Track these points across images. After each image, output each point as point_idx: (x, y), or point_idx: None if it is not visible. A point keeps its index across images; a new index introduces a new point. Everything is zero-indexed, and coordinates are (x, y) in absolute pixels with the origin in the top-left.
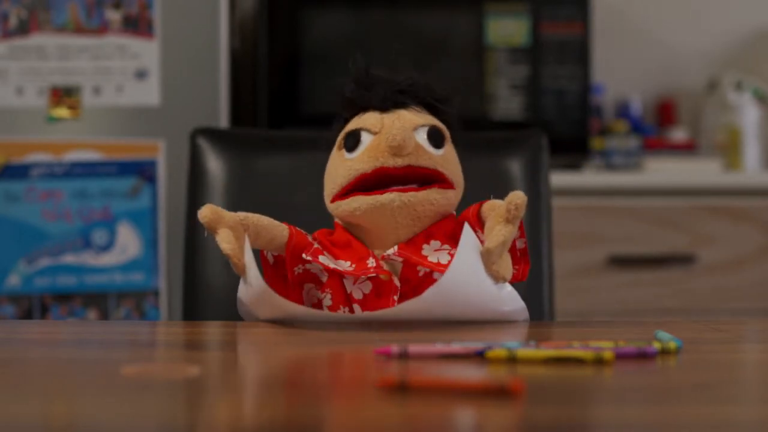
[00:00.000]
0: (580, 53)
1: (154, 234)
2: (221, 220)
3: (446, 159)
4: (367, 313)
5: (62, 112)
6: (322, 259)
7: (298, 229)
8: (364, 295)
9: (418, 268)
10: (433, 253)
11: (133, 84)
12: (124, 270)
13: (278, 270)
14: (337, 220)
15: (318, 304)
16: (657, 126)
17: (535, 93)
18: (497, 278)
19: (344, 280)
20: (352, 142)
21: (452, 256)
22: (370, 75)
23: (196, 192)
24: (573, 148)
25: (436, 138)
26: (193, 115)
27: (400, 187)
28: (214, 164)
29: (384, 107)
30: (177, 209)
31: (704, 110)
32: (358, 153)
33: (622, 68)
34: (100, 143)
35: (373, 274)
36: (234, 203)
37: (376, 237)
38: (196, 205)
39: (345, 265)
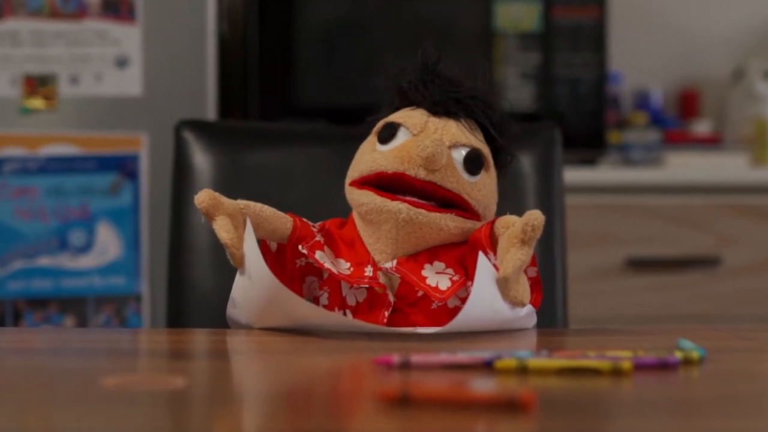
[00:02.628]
0: (595, 39)
1: (136, 234)
2: (220, 207)
3: (477, 187)
4: (373, 326)
5: (37, 102)
6: (318, 254)
7: (304, 220)
8: (357, 303)
9: None
10: (434, 275)
11: (113, 73)
12: (103, 273)
13: (279, 258)
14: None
15: (315, 302)
16: (679, 118)
17: (547, 82)
18: (516, 304)
19: (342, 282)
20: (387, 134)
21: (453, 282)
22: (435, 71)
23: (181, 189)
24: (588, 142)
25: (473, 163)
26: (178, 107)
27: (415, 200)
28: (201, 159)
29: (435, 111)
30: (161, 208)
31: (729, 101)
32: (388, 148)
33: (641, 56)
34: (78, 136)
35: (367, 285)
36: None
37: (377, 243)
38: (181, 203)
39: (343, 267)
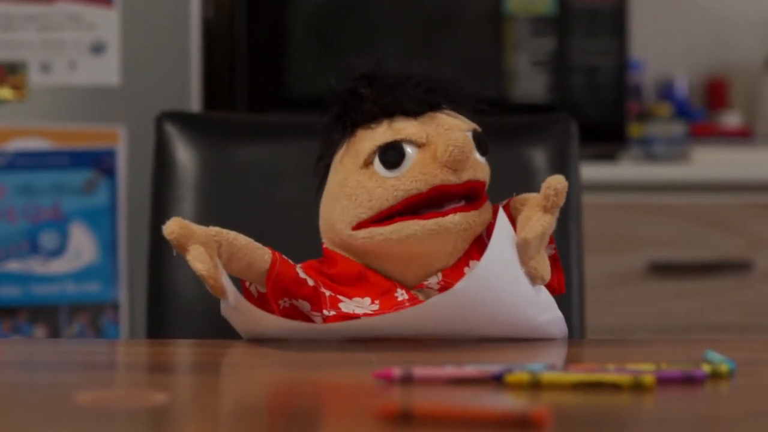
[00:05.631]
0: (615, 24)
1: (112, 237)
2: (192, 236)
3: (487, 167)
4: (379, 318)
5: (5, 92)
6: (343, 306)
7: (284, 256)
8: None
9: None
10: None
11: (88, 60)
12: (77, 279)
13: (265, 306)
14: (341, 253)
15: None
16: (706, 109)
17: (562, 70)
18: (535, 277)
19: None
20: (396, 157)
21: None
22: (387, 73)
23: (162, 187)
24: (607, 135)
25: (482, 144)
26: (159, 97)
27: (456, 206)
28: (184, 154)
29: (420, 111)
30: (140, 207)
31: (761, 91)
32: (405, 169)
33: (664, 42)
34: (50, 130)
35: (410, 309)
36: (207, 200)
37: (414, 266)
38: (162, 202)
39: (366, 305)
